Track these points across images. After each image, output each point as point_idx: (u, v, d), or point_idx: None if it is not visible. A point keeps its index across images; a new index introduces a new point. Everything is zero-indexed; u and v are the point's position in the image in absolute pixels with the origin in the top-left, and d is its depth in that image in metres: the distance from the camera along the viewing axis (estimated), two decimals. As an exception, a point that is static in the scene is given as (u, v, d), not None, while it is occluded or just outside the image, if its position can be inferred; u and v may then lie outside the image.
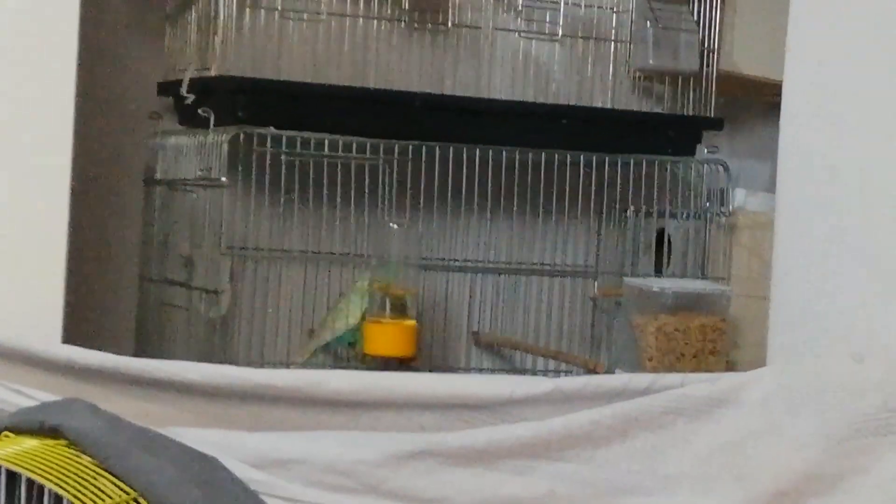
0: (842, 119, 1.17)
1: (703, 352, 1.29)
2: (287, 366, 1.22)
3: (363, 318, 1.20)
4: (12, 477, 0.86)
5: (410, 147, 1.19)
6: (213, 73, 1.16)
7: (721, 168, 1.27)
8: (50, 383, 1.01)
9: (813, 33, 1.18)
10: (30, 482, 0.85)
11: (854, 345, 1.15)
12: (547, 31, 1.27)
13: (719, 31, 1.31)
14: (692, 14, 1.29)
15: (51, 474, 0.85)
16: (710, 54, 1.28)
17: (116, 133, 1.25)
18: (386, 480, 1.03)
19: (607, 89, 1.32)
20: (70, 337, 1.07)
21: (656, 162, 1.26)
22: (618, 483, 1.06)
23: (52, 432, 0.92)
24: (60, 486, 0.83)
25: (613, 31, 1.31)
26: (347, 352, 1.22)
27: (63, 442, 0.90)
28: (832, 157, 1.18)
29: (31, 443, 0.91)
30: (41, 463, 0.87)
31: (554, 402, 1.06)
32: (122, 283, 1.27)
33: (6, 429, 0.93)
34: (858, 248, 1.20)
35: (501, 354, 1.33)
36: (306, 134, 1.14)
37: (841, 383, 1.07)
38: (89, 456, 0.89)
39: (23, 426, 0.94)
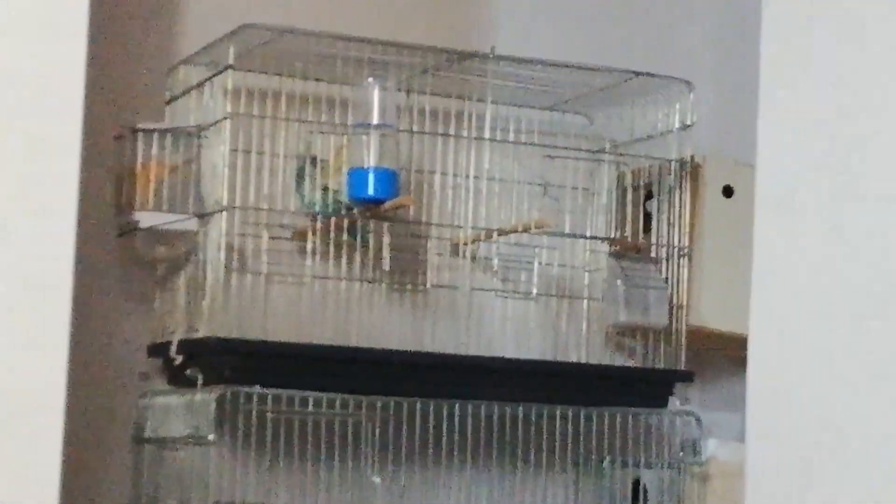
0: (805, 364, 1.22)
1: None
2: None
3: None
4: None
5: (392, 403, 1.21)
6: (200, 334, 1.20)
7: (693, 419, 1.30)
8: None
9: (774, 298, 1.26)
10: None
11: None
12: (522, 290, 1.33)
13: (687, 287, 1.37)
14: (660, 272, 1.36)
15: None
16: (679, 310, 1.33)
17: (107, 394, 1.27)
18: None
19: (581, 345, 1.37)
20: None
21: (630, 414, 1.28)
22: None
23: None
24: None
25: (586, 289, 1.37)
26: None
27: None
28: (799, 407, 1.22)
29: None
30: None
31: None
32: None
33: None
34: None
35: None
36: (292, 392, 1.17)
37: None
38: None
39: None
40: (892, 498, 1.13)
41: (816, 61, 1.29)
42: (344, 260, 1.31)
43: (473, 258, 1.41)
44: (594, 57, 1.44)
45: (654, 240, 1.47)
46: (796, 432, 1.21)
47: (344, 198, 1.27)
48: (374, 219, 1.28)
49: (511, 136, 1.42)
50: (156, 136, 1.31)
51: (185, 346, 1.23)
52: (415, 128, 1.38)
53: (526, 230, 1.30)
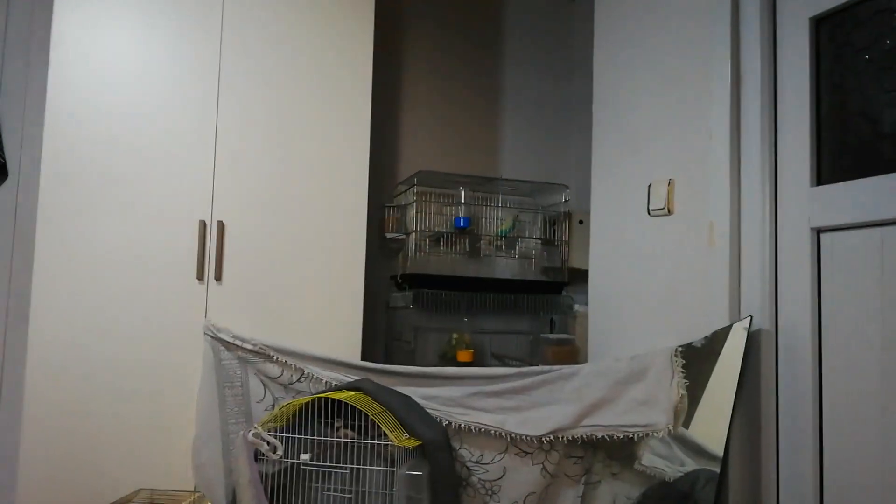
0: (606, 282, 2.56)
1: (567, 359, 2.68)
2: (433, 366, 2.98)
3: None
4: (337, 406, 1.88)
5: (470, 294, 3.14)
6: (407, 272, 3.15)
7: (570, 298, 3.14)
8: (356, 374, 2.12)
9: None
10: (350, 408, 1.89)
11: (616, 353, 2.17)
12: (512, 256, 3.38)
13: (568, 253, 3.25)
14: (558, 249, 3.28)
15: (360, 404, 1.90)
16: (564, 261, 3.35)
17: (377, 294, 3.15)
18: (464, 401, 2.01)
19: (533, 273, 3.26)
20: (363, 357, 2.46)
21: (550, 296, 3.14)
22: (542, 400, 1.98)
23: (357, 389, 1.94)
24: (363, 409, 1.87)
25: (534, 254, 3.37)
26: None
27: (361, 393, 1.92)
28: (612, 296, 2.76)
29: (348, 394, 1.93)
30: (355, 400, 1.90)
31: (519, 375, 2.01)
32: (379, 339, 3.00)
33: (337, 388, 1.94)
34: (620, 327, 2.14)
35: (503, 360, 3.28)
36: (437, 290, 3.13)
37: (613, 367, 1.93)
38: (371, 397, 1.94)
39: (342, 387, 1.98)
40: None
41: (608, 180, 2.28)
42: (452, 246, 3.24)
43: (499, 247, 3.04)
44: (536, 174, 3.24)
45: (556, 239, 3.00)
46: (606, 303, 2.30)
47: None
48: (461, 234, 2.98)
49: (507, 206, 3.11)
50: (393, 207, 2.93)
51: (402, 276, 2.84)
52: (475, 203, 3.02)
53: (520, 236, 3.09)
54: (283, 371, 2.17)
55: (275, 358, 2.17)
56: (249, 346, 2.19)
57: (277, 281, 2.42)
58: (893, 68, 1.57)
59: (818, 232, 1.75)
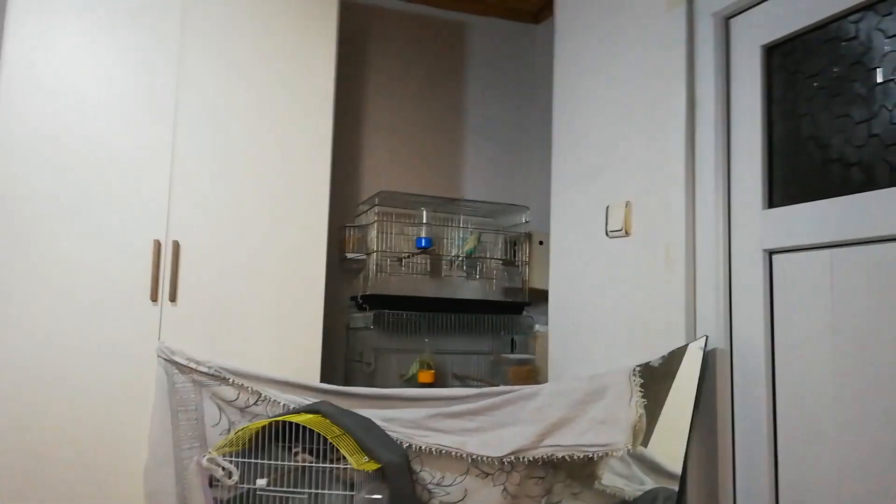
0: (567, 298, 3.01)
1: (528, 379, 2.77)
2: (393, 387, 3.02)
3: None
4: (295, 430, 1.86)
5: (431, 315, 3.24)
6: (368, 293, 3.21)
7: (531, 318, 3.15)
8: (315, 396, 2.10)
9: (557, 276, 3.12)
10: (308, 431, 1.84)
11: (576, 372, 2.24)
12: (472, 276, 3.39)
13: (528, 274, 3.35)
14: (518, 269, 3.34)
15: (319, 427, 1.85)
16: (525, 281, 3.40)
17: (337, 315, 3.19)
18: (424, 423, 2.01)
19: (493, 293, 3.29)
20: (322, 379, 2.67)
21: (510, 316, 3.14)
22: (503, 421, 1.99)
23: (316, 412, 1.90)
24: (321, 432, 1.84)
25: (495, 274, 3.45)
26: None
27: (320, 416, 1.87)
28: (564, 312, 2.92)
29: (307, 416, 1.88)
30: (314, 423, 1.86)
31: (479, 395, 2.03)
32: (339, 361, 3.09)
33: (295, 411, 1.90)
34: (580, 347, 2.22)
35: (463, 381, 3.30)
36: (398, 311, 3.14)
37: (573, 387, 1.95)
38: (330, 420, 1.91)
39: (300, 410, 1.94)
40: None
41: (567, 201, 2.36)
42: (413, 267, 3.17)
43: (460, 268, 3.15)
44: (497, 195, 3.31)
45: (517, 259, 3.09)
46: (566, 323, 2.38)
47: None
48: (423, 254, 3.05)
49: (468, 227, 3.18)
50: (353, 228, 2.97)
51: (363, 297, 2.94)
52: (437, 223, 3.12)
53: (481, 256, 3.12)
54: (239, 394, 2.15)
55: (231, 381, 2.15)
56: (205, 369, 2.17)
57: (235, 302, 2.42)
58: (842, 94, 1.60)
59: (770, 253, 1.77)
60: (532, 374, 2.90)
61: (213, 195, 2.43)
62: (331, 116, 2.55)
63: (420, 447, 2.03)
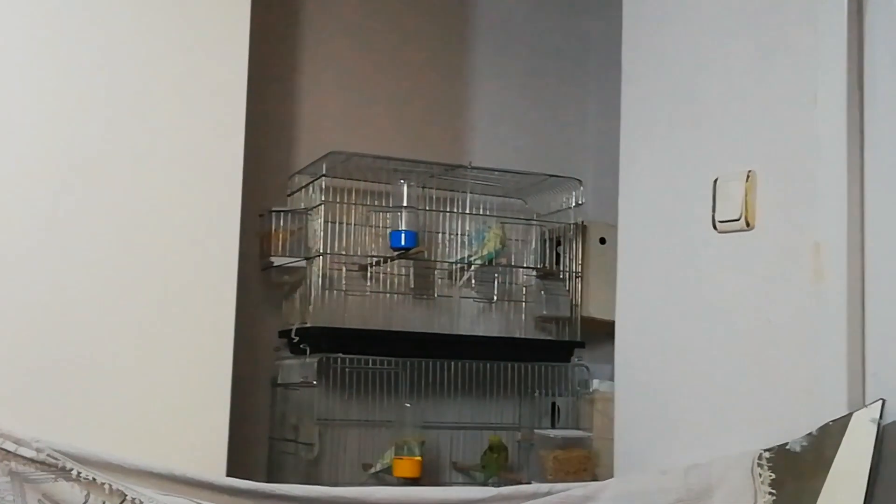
0: (646, 338, 2.20)
1: (580, 470, 2.48)
2: (352, 485, 2.47)
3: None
4: None
5: (417, 362, 2.48)
6: (308, 324, 2.46)
7: (584, 368, 2.56)
8: (218, 500, 1.82)
9: (629, 300, 2.23)
10: None
11: (661, 461, 2.09)
12: (488, 298, 2.64)
13: (581, 294, 2.65)
14: (565, 286, 2.65)
15: None
16: (576, 307, 2.60)
17: (256, 359, 2.51)
18: None
19: (522, 327, 2.67)
20: (229, 471, 2.16)
21: (549, 365, 2.56)
22: None
23: None
24: None
25: (524, 296, 2.67)
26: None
27: None
28: (644, 361, 2.19)
29: None
30: None
31: (498, 499, 1.90)
32: (259, 441, 2.55)
33: None
34: (667, 416, 2.14)
35: (470, 475, 2.58)
36: (359, 356, 2.42)
37: (656, 487, 1.91)
38: None
39: None
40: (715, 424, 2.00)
41: (646, 170, 2.31)
42: (387, 280, 2.61)
43: (459, 279, 2.70)
44: (529, 162, 2.76)
45: (561, 268, 2.78)
46: (643, 377, 2.25)
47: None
48: (402, 259, 2.58)
49: (480, 212, 2.74)
50: (283, 214, 2.54)
51: (299, 332, 2.47)
52: (427, 207, 2.69)
53: (490, 263, 2.60)
54: (88, 495, 1.81)
55: (74, 473, 1.82)
56: (29, 454, 1.84)
57: (80, 345, 2.15)
58: None
59: None
60: (586, 462, 2.60)
61: (37, 166, 2.15)
62: (246, 36, 2.33)
63: None
